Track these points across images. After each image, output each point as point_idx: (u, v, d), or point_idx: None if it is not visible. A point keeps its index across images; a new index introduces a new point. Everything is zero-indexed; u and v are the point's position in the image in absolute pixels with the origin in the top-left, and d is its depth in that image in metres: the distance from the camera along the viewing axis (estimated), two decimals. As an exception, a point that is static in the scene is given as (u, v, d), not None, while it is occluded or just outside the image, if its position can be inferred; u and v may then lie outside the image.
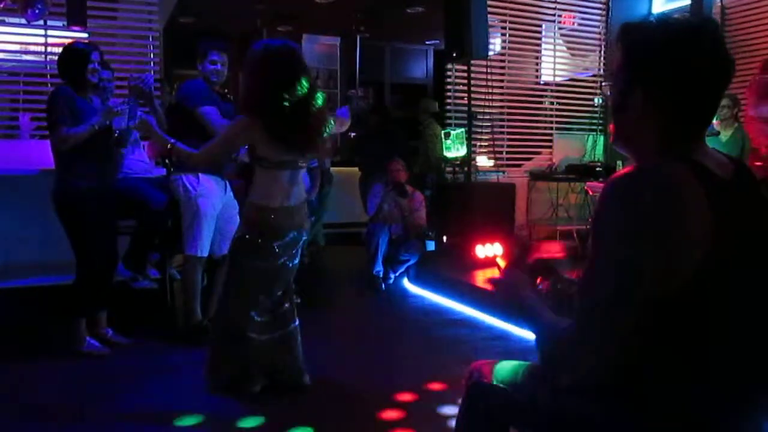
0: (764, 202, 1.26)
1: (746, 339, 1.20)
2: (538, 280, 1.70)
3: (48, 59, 5.31)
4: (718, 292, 1.15)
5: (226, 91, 4.15)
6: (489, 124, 6.79)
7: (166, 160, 4.53)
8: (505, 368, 1.53)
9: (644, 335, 1.17)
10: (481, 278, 5.11)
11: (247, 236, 2.93)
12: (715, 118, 5.45)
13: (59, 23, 5.15)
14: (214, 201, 3.83)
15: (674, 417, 1.18)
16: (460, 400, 1.63)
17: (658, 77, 1.21)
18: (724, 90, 1.23)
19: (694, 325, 1.16)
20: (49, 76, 5.23)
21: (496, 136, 6.85)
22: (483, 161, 6.98)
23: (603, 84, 6.99)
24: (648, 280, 1.13)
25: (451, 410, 2.80)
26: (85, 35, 5.22)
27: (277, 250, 2.93)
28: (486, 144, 7.00)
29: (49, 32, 5.31)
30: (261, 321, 3.03)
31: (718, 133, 5.37)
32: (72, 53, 3.54)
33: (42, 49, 5.39)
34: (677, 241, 1.12)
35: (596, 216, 1.21)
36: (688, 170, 1.15)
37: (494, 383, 1.50)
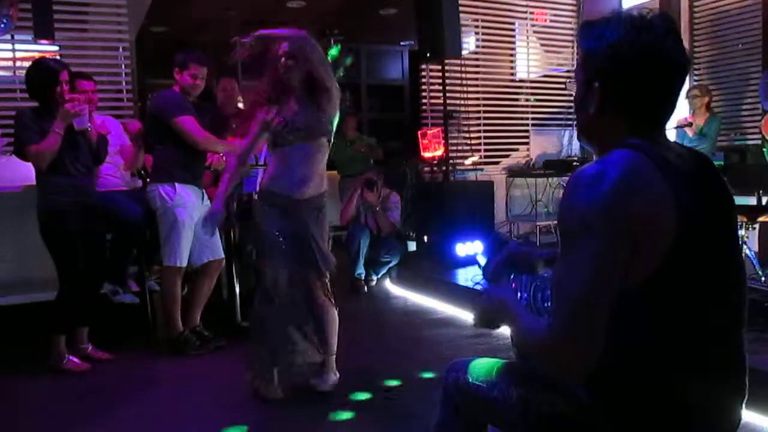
0: (723, 193, 1.27)
1: (710, 331, 1.20)
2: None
3: (17, 74, 5.24)
4: (683, 282, 1.16)
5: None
6: (465, 122, 6.81)
7: (141, 172, 4.49)
8: (481, 366, 1.53)
9: (611, 328, 1.18)
10: (463, 277, 5.12)
11: None
12: (689, 109, 5.56)
13: (27, 37, 5.08)
14: (192, 210, 3.80)
15: (650, 410, 1.19)
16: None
17: (611, 73, 1.23)
18: (679, 84, 1.24)
19: (662, 316, 1.17)
20: (18, 91, 5.14)
21: (472, 134, 6.87)
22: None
23: (568, 81, 7.07)
24: (619, 271, 1.14)
25: (434, 410, 2.79)
26: (55, 48, 5.16)
27: None
28: (463, 142, 7.02)
29: (17, 46, 5.24)
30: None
31: (691, 124, 5.43)
32: (40, 71, 3.46)
33: (10, 64, 5.32)
34: (642, 233, 1.13)
35: (562, 211, 1.21)
36: (649, 162, 1.16)
37: (471, 382, 1.50)
